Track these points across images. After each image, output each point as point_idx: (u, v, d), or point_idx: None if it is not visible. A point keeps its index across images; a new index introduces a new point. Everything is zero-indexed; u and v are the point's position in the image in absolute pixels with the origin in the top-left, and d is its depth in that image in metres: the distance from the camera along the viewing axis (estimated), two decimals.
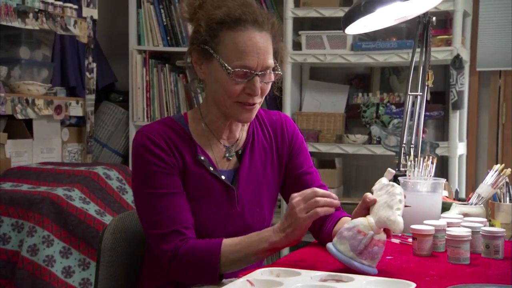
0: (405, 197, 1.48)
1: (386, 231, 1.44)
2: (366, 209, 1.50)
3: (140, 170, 1.63)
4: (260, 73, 1.59)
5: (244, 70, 1.58)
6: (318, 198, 1.48)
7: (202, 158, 1.66)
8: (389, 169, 1.53)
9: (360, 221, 1.45)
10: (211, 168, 1.66)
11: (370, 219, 1.44)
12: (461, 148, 3.54)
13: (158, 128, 1.65)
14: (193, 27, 1.66)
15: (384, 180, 1.52)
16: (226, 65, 1.58)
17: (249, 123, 1.75)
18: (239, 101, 1.61)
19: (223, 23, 1.58)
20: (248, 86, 1.59)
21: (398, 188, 1.47)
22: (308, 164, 1.79)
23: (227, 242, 1.56)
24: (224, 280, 1.61)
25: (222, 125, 1.70)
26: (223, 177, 1.68)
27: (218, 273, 1.55)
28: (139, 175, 1.63)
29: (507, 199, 1.88)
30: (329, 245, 1.46)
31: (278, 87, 1.71)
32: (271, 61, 1.62)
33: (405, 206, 1.48)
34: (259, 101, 1.64)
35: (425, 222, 1.66)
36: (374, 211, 1.46)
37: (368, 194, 1.51)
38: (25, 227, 2.80)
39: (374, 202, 1.48)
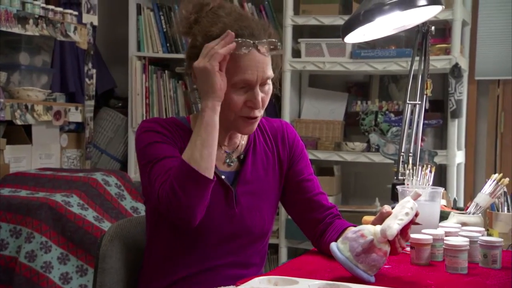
0: (417, 215, 1.51)
1: (392, 246, 1.46)
2: (382, 220, 1.52)
3: (142, 145, 1.64)
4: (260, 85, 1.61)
5: (244, 84, 1.59)
6: (213, 45, 1.54)
7: None
8: (416, 190, 1.56)
9: (367, 227, 1.48)
10: None
11: (377, 227, 1.46)
12: (459, 157, 3.54)
13: (162, 121, 1.69)
14: (189, 40, 1.67)
15: (408, 198, 1.54)
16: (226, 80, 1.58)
17: None
18: (242, 116, 1.63)
19: None
20: (249, 99, 1.61)
21: (410, 203, 1.51)
22: (308, 171, 1.79)
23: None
24: None
25: (223, 134, 1.70)
26: (223, 176, 1.68)
27: (199, 171, 1.51)
28: (141, 150, 1.64)
29: (505, 208, 1.88)
30: (332, 244, 1.48)
31: (277, 88, 1.71)
32: (270, 72, 1.63)
33: (416, 223, 1.52)
34: (260, 113, 1.65)
35: (423, 231, 1.67)
36: (385, 221, 1.49)
37: (385, 206, 1.56)
38: (23, 233, 2.80)
39: (389, 214, 1.52)
